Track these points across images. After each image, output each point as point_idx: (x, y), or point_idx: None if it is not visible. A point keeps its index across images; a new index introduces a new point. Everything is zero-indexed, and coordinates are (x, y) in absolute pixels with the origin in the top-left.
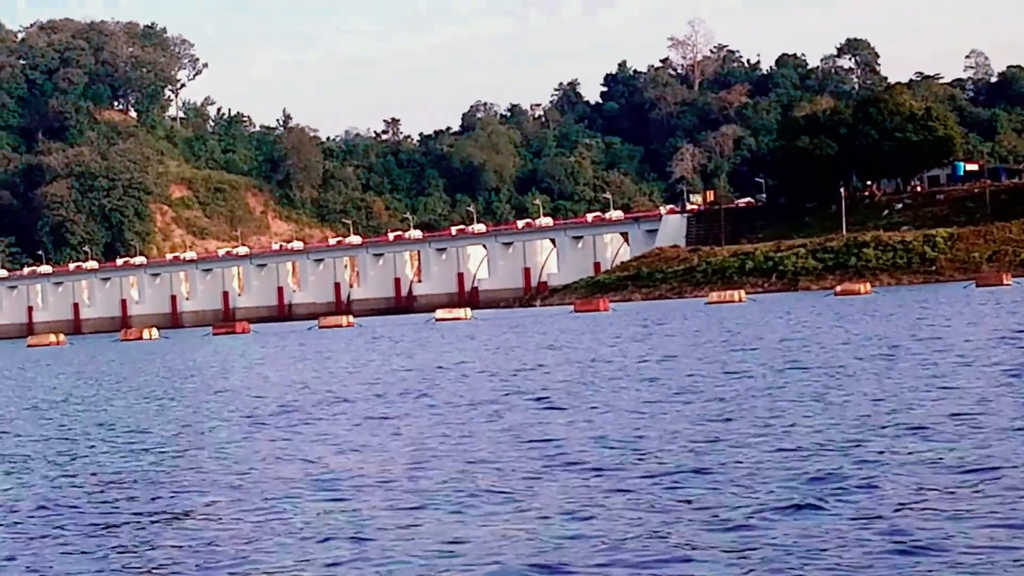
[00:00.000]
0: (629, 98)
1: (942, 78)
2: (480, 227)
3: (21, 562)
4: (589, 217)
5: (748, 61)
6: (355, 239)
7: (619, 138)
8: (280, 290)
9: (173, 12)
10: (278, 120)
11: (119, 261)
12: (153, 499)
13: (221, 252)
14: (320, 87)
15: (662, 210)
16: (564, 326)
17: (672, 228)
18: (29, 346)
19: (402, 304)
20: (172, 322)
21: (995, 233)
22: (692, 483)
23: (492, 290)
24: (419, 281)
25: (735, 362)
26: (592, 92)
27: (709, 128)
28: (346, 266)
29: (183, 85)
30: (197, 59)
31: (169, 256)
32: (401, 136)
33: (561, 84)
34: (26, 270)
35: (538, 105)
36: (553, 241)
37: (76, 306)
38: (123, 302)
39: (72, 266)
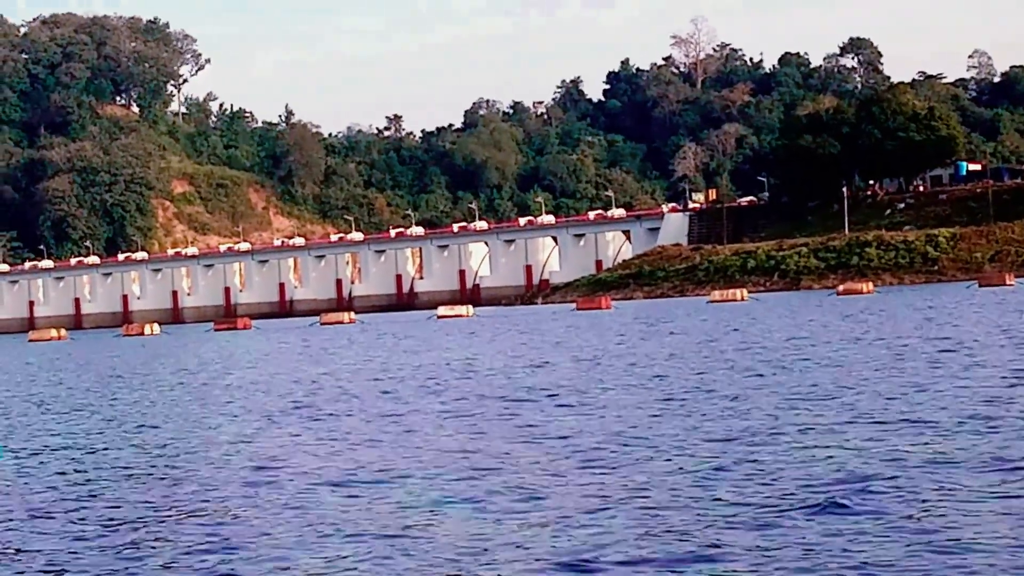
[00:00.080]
0: (631, 96)
1: (945, 78)
2: (482, 224)
3: (41, 559)
4: (591, 215)
5: (751, 60)
6: (357, 235)
7: (621, 136)
8: (282, 286)
9: (175, 8)
10: (280, 116)
11: (120, 256)
12: (167, 496)
13: (223, 248)
14: (322, 84)
15: (664, 208)
16: (567, 324)
17: (674, 226)
18: (30, 341)
19: (404, 301)
20: (173, 318)
21: (997, 233)
22: (712, 481)
23: (494, 287)
24: (421, 278)
25: (743, 360)
26: (595, 90)
27: (711, 126)
28: (348, 263)
29: (185, 80)
30: (199, 54)
31: (171, 252)
32: (403, 133)
33: (564, 82)
34: (27, 265)
35: (540, 103)
36: (555, 239)
37: (77, 301)
38: (124, 297)
39: (73, 261)
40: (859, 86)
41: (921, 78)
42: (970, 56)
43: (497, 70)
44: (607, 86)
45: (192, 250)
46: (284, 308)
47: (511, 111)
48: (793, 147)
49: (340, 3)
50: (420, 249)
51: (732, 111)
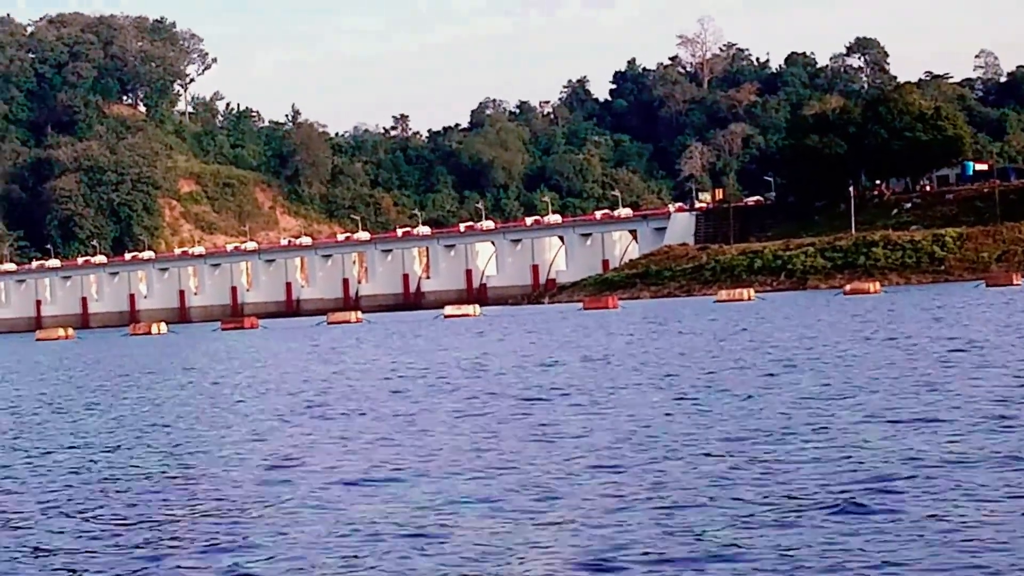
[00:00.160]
0: (638, 96)
1: (951, 78)
2: (489, 224)
3: (58, 559)
4: (598, 214)
5: (757, 59)
6: (363, 235)
7: (628, 136)
8: (288, 285)
9: (182, 7)
10: (287, 115)
11: (127, 256)
12: (182, 495)
13: (229, 247)
14: (329, 83)
15: (671, 208)
16: (575, 323)
17: (681, 226)
18: (38, 340)
19: (410, 300)
20: (180, 317)
21: (1004, 233)
22: (728, 480)
23: (500, 287)
24: (427, 277)
25: (754, 359)
26: (601, 90)
27: (718, 126)
28: (354, 262)
29: (192, 80)
30: (206, 54)
31: (177, 251)
32: (410, 132)
33: (570, 81)
34: (34, 264)
35: (547, 102)
36: (561, 238)
37: (84, 300)
38: (131, 297)
39: (80, 260)
40: (865, 86)
41: (927, 78)
42: (976, 56)
43: (504, 69)
44: (613, 86)
45: (199, 249)
46: (291, 307)
47: (517, 111)
48: (800, 147)
49: (342, 3)
50: (427, 249)
51: (739, 111)
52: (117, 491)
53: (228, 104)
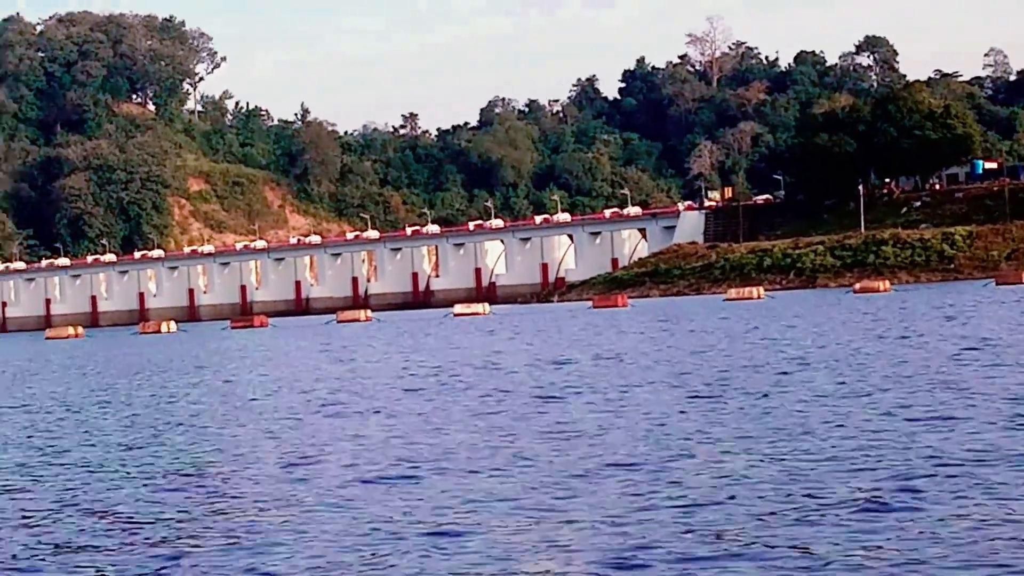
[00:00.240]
0: (647, 94)
1: (961, 76)
2: (498, 222)
3: (79, 557)
4: (607, 213)
5: (766, 58)
6: (373, 233)
7: (637, 134)
8: (298, 284)
9: (191, 6)
10: (296, 114)
11: (137, 254)
12: (199, 493)
13: (239, 246)
14: (338, 82)
15: (680, 206)
16: (585, 322)
17: (690, 224)
18: (47, 338)
19: (419, 299)
20: (189, 315)
21: (1014, 231)
22: (748, 478)
23: (509, 285)
24: (436, 276)
25: (767, 357)
26: (610, 88)
27: (727, 125)
28: (364, 260)
29: (201, 79)
30: (215, 53)
31: (187, 249)
32: (419, 131)
33: (579, 80)
34: (44, 262)
35: (556, 101)
36: (571, 237)
37: (94, 299)
38: (141, 295)
39: (90, 259)
40: (875, 84)
41: (937, 76)
42: (986, 54)
43: (513, 67)
44: (623, 84)
45: (208, 248)
46: (300, 306)
47: (527, 109)
48: (809, 145)
49: (348, 2)
50: (436, 247)
51: (748, 109)
52: (134, 489)
53: (237, 103)
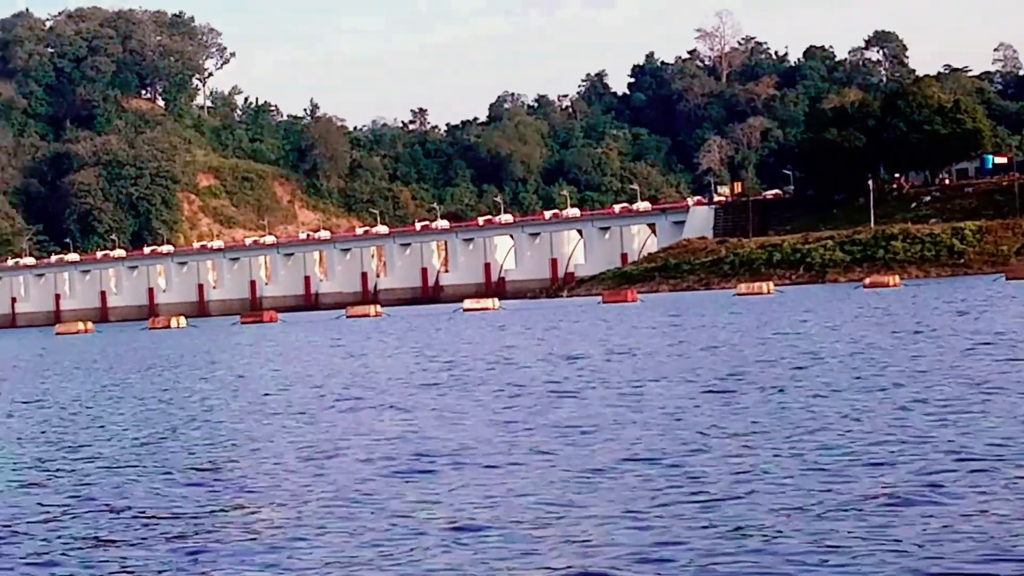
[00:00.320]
0: (656, 89)
1: (970, 71)
2: (507, 217)
3: (98, 553)
4: (616, 208)
5: (776, 53)
6: (382, 229)
7: (646, 129)
8: (307, 279)
9: (201, 1)
10: (305, 110)
11: (146, 249)
12: (217, 490)
13: (248, 241)
14: (347, 77)
15: (689, 201)
16: (595, 316)
17: (699, 220)
18: (57, 334)
19: (429, 294)
20: (199, 311)
21: (1023, 226)
22: (769, 474)
23: (519, 280)
24: (446, 271)
25: (781, 352)
26: (619, 83)
27: (736, 120)
28: (373, 256)
29: (210, 74)
30: (224, 48)
31: (196, 245)
32: (428, 126)
33: (588, 75)
34: (54, 258)
35: (565, 96)
36: (580, 232)
37: (103, 294)
38: (150, 290)
39: (99, 254)
40: (884, 79)
41: (946, 71)
42: (995, 49)
43: (523, 63)
44: (632, 79)
45: (217, 243)
46: (309, 301)
47: (536, 104)
48: (818, 140)
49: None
50: (445, 242)
51: (757, 104)
52: (151, 485)
53: (246, 98)
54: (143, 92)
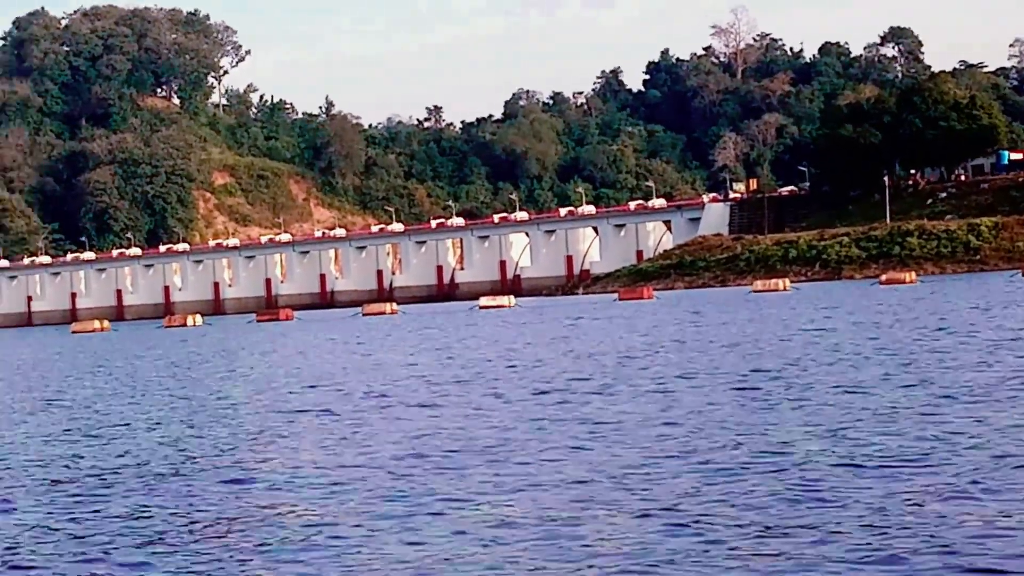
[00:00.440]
0: (672, 86)
1: (986, 67)
2: (522, 215)
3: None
4: (631, 205)
5: (791, 49)
6: (397, 226)
7: (661, 126)
8: (322, 277)
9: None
10: (321, 107)
11: (162, 248)
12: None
13: (264, 239)
14: (358, 75)
15: (705, 198)
16: (613, 314)
17: (715, 216)
18: (73, 332)
19: (444, 292)
20: (214, 309)
21: None
22: (812, 470)
23: (534, 278)
24: (461, 268)
25: (804, 349)
26: (635, 80)
27: (752, 116)
28: (388, 253)
29: (226, 72)
30: (240, 46)
31: (212, 243)
32: (443, 124)
33: (604, 72)
34: (69, 256)
35: (580, 93)
36: (595, 229)
37: (119, 292)
38: (166, 289)
39: (115, 253)
40: (900, 75)
41: (962, 67)
42: (1011, 45)
43: (538, 60)
44: (647, 76)
45: (233, 241)
46: (325, 299)
47: (551, 101)
48: (834, 137)
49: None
50: (461, 240)
51: (772, 101)
52: (179, 487)
53: (262, 96)
54: (158, 90)
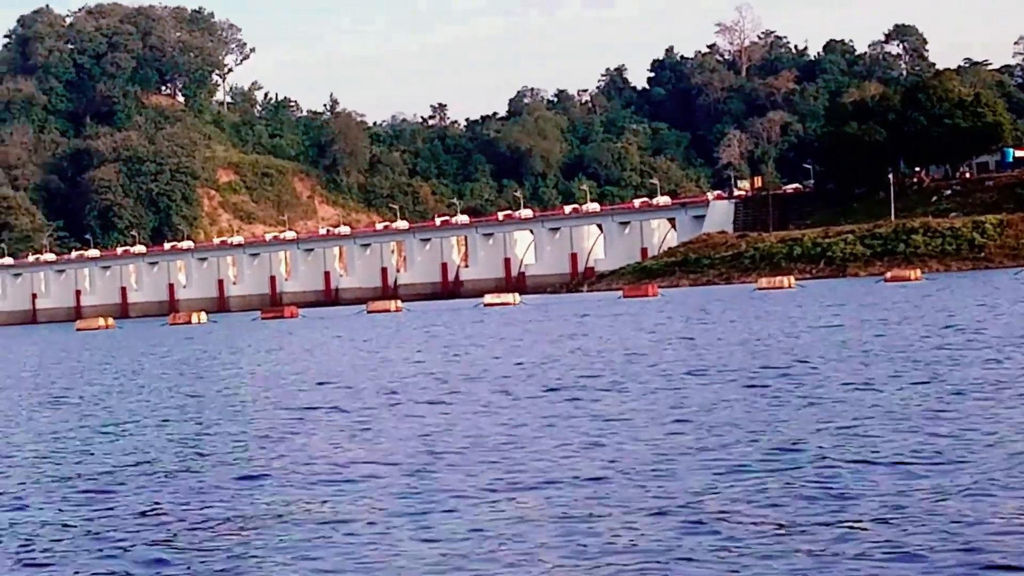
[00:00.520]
0: (676, 84)
1: (990, 64)
2: (527, 212)
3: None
4: (636, 203)
5: (796, 47)
6: (402, 224)
7: (666, 124)
8: (327, 275)
9: None
10: (325, 105)
11: (166, 245)
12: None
13: (268, 237)
14: (365, 74)
15: (709, 196)
16: (618, 311)
17: (719, 214)
18: (78, 329)
19: (449, 289)
20: (219, 306)
21: None
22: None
23: (539, 275)
24: (466, 266)
25: (813, 347)
26: (639, 78)
27: (756, 114)
28: (393, 251)
29: (230, 70)
30: (244, 44)
31: (216, 240)
32: (448, 121)
33: (608, 70)
34: (74, 254)
35: (585, 91)
36: (600, 227)
37: (124, 290)
38: (170, 286)
39: (120, 250)
40: (904, 73)
41: (967, 65)
42: (1016, 43)
43: (542, 58)
44: (651, 74)
45: (238, 239)
46: (329, 297)
47: (555, 99)
48: (839, 134)
49: None
50: (465, 237)
51: (777, 98)
52: (191, 484)
53: (266, 94)
54: (163, 88)
